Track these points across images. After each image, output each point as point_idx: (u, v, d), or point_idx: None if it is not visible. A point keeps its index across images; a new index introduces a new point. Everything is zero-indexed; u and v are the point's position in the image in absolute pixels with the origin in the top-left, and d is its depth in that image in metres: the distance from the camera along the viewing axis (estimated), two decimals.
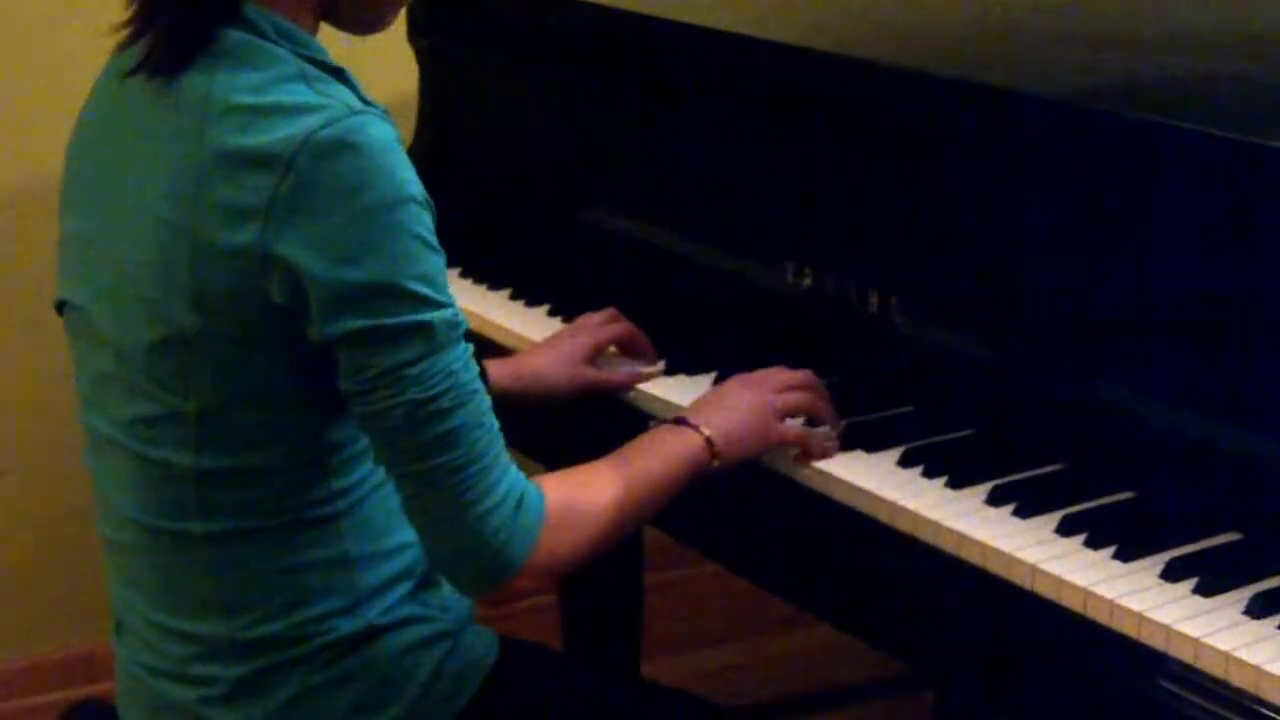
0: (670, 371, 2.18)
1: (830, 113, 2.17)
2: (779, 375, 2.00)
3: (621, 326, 2.22)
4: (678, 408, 2.07)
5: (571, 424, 2.30)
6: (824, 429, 1.97)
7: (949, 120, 2.02)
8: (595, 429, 2.24)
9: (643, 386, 2.16)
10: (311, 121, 1.60)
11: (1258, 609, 1.62)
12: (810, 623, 2.14)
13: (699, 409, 1.95)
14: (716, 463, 1.90)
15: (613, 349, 2.22)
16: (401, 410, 1.63)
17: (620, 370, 2.19)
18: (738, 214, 2.33)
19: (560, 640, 2.96)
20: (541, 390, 2.18)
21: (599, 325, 2.22)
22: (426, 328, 1.63)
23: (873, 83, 2.10)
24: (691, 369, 2.18)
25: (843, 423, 1.98)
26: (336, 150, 1.60)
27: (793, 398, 1.97)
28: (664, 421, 1.95)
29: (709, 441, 1.89)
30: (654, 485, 1.85)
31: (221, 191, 1.62)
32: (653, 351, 2.21)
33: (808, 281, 2.17)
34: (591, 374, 2.18)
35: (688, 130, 2.40)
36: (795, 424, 1.96)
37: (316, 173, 1.59)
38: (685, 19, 2.36)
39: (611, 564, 2.84)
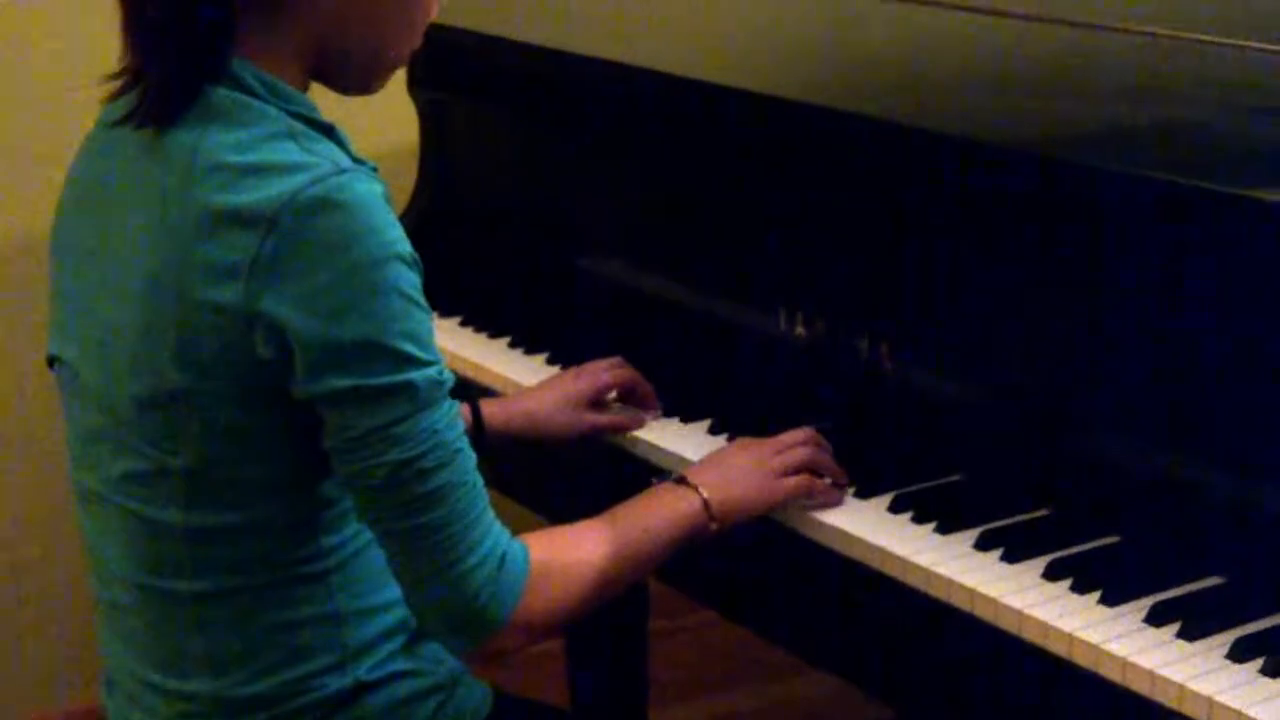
0: (668, 417, 2.19)
1: (821, 163, 2.18)
2: (779, 437, 1.99)
3: (624, 372, 2.22)
4: (674, 455, 2.08)
5: (569, 471, 2.32)
6: (826, 480, 1.96)
7: (937, 171, 2.03)
8: (592, 476, 2.26)
9: (640, 433, 2.17)
10: (297, 180, 1.61)
11: (1240, 653, 1.63)
12: (814, 668, 2.15)
13: (699, 470, 1.95)
14: (714, 525, 1.89)
15: (613, 395, 2.22)
16: (385, 470, 1.64)
17: (619, 416, 2.20)
18: (731, 262, 2.35)
19: (566, 688, 2.97)
20: (539, 432, 2.19)
21: (601, 370, 2.22)
22: (410, 387, 1.63)
23: (862, 135, 2.11)
24: (688, 416, 2.19)
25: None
26: (321, 208, 1.60)
27: (792, 456, 1.96)
28: (665, 479, 1.95)
29: (707, 504, 1.89)
30: (648, 543, 1.85)
31: (207, 250, 1.63)
32: (654, 399, 2.21)
33: (800, 328, 2.18)
34: (590, 418, 2.19)
35: (683, 180, 2.42)
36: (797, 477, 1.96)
37: (301, 231, 1.60)
38: (681, 72, 2.38)
39: (616, 612, 2.86)
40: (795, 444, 1.97)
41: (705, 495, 1.89)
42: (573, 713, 2.93)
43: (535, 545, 1.75)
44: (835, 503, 1.94)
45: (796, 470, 1.95)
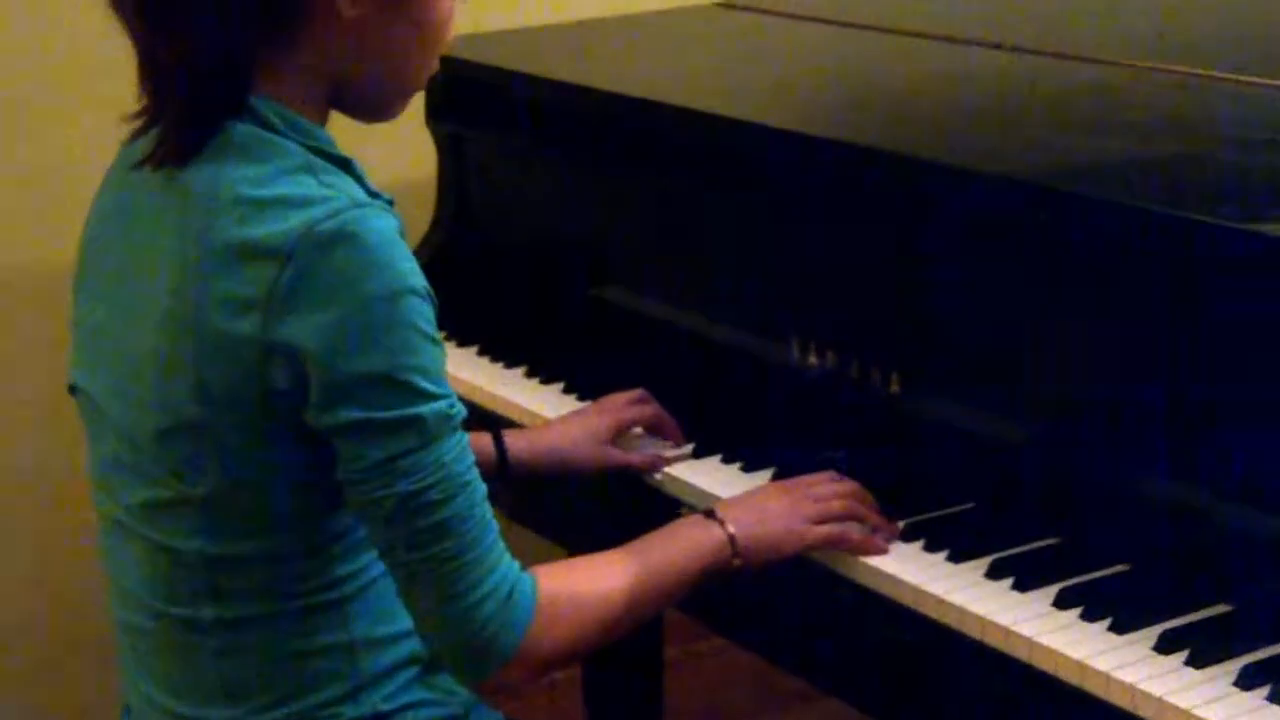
0: (697, 454, 2.20)
1: (835, 196, 2.20)
2: (821, 482, 1.99)
3: (649, 408, 2.23)
4: (700, 491, 2.09)
5: (591, 506, 2.33)
6: (863, 530, 1.95)
7: (948, 203, 2.05)
8: (616, 512, 2.27)
9: (669, 470, 2.17)
10: (313, 214, 1.63)
11: (1247, 680, 1.64)
12: (827, 695, 2.16)
13: (730, 505, 1.95)
14: (738, 561, 1.89)
15: (637, 430, 2.23)
16: (392, 501, 1.65)
17: (643, 451, 2.20)
18: (748, 293, 2.37)
19: (584, 714, 2.98)
20: (563, 466, 2.20)
21: (625, 405, 2.23)
22: (419, 421, 1.64)
23: (876, 168, 2.13)
24: (706, 449, 2.20)
25: (900, 523, 1.96)
26: (336, 242, 1.62)
27: (829, 507, 1.95)
28: (694, 511, 1.95)
29: (732, 539, 1.89)
30: (668, 576, 1.85)
31: (224, 283, 1.64)
32: (679, 434, 2.22)
33: (812, 358, 2.20)
34: (613, 454, 2.19)
35: (698, 212, 2.44)
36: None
37: (316, 264, 1.62)
38: (700, 106, 2.40)
39: (632, 640, 2.87)
40: (836, 495, 1.97)
41: (731, 531, 1.89)
42: None
43: (550, 577, 1.76)
44: (875, 550, 1.93)
45: (831, 516, 1.94)
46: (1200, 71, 2.41)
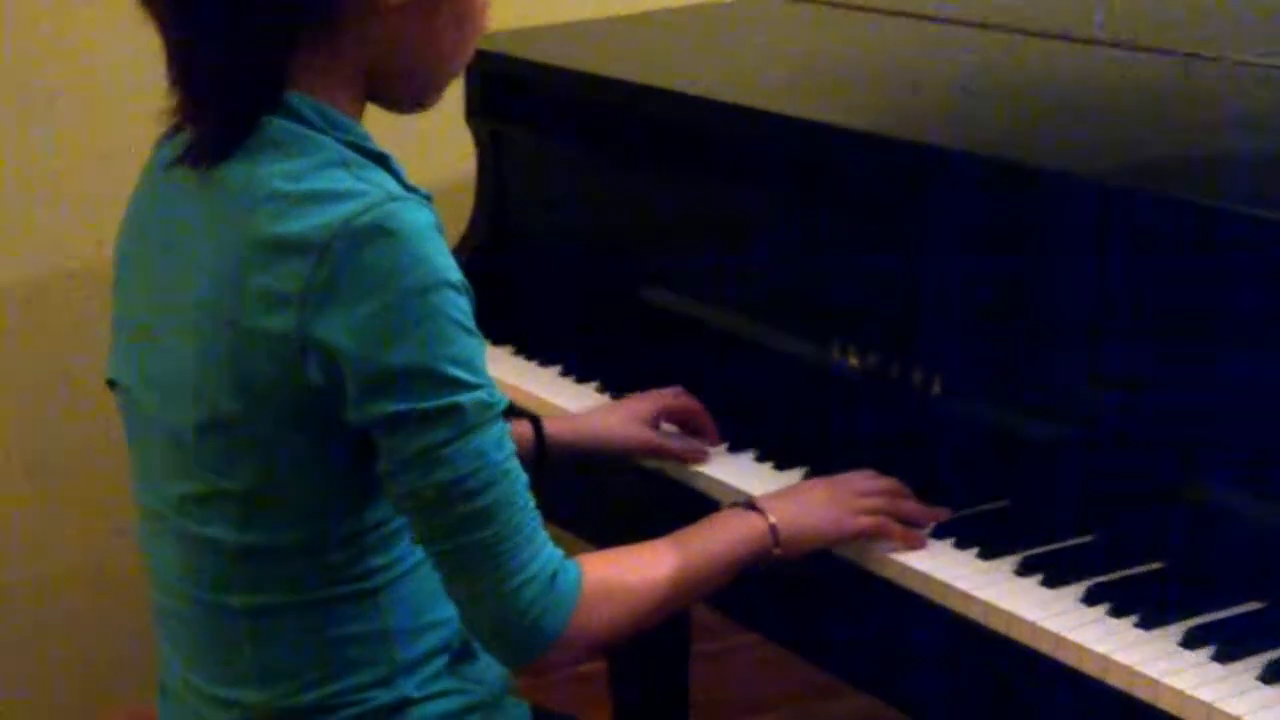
0: (730, 451, 2.21)
1: (878, 195, 2.20)
2: (862, 479, 2.01)
3: (685, 401, 2.25)
4: (733, 488, 2.11)
5: (625, 505, 2.35)
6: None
7: (995, 203, 2.06)
8: (649, 510, 2.28)
9: (699, 466, 2.19)
10: (348, 208, 1.64)
11: (1272, 675, 1.65)
12: (855, 690, 2.17)
13: (771, 496, 1.97)
14: (779, 550, 1.91)
15: (670, 426, 2.25)
16: (433, 491, 1.67)
17: (681, 443, 2.22)
18: (786, 292, 2.37)
19: (610, 708, 3.00)
20: (601, 447, 2.21)
21: (663, 396, 2.25)
22: (458, 410, 1.66)
23: (922, 166, 2.14)
24: (739, 446, 2.21)
25: (933, 520, 1.98)
26: (372, 236, 1.63)
27: (871, 502, 1.97)
28: (736, 504, 1.97)
29: (773, 529, 1.91)
30: (709, 565, 1.87)
31: (260, 278, 1.66)
32: (714, 432, 2.24)
33: (852, 359, 2.21)
34: (653, 436, 2.21)
35: (738, 210, 2.44)
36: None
37: (352, 259, 1.63)
38: (742, 102, 2.40)
39: (659, 633, 2.89)
40: (877, 490, 1.98)
41: (773, 520, 1.91)
42: None
43: (594, 563, 1.78)
44: (915, 544, 1.95)
45: (872, 509, 1.96)
46: (1235, 57, 2.41)
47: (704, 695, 3.13)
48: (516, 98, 2.80)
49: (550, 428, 2.19)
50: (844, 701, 3.26)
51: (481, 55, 2.51)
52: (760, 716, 3.44)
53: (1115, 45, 2.57)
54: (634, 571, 1.82)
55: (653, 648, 2.91)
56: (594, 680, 3.00)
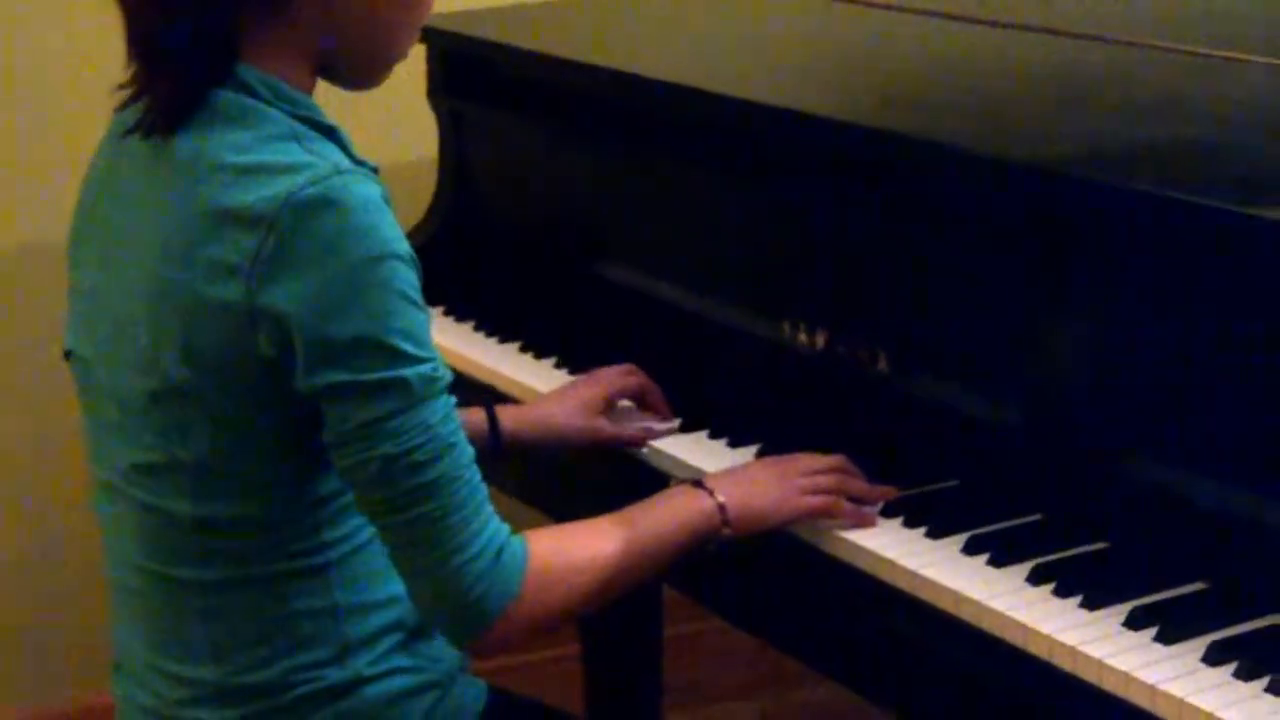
0: (684, 429, 2.21)
1: (831, 176, 2.21)
2: (809, 457, 2.01)
3: (637, 380, 2.25)
4: (687, 465, 2.11)
5: (581, 479, 2.35)
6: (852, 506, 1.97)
7: (940, 184, 2.07)
8: (604, 484, 2.28)
9: (654, 442, 2.19)
10: (295, 180, 1.65)
11: (1215, 657, 1.66)
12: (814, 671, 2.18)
13: (719, 476, 1.97)
14: (728, 530, 1.91)
15: (626, 402, 2.25)
16: (377, 463, 1.67)
17: (633, 425, 2.22)
18: (739, 271, 2.38)
19: (582, 692, 3.00)
20: (554, 439, 2.21)
21: (615, 377, 2.24)
22: (403, 383, 1.66)
23: (873, 148, 2.14)
24: (693, 424, 2.21)
25: (881, 499, 1.98)
26: (319, 208, 1.64)
27: (819, 480, 1.97)
28: (683, 481, 1.97)
29: (721, 507, 1.91)
30: (658, 543, 1.87)
31: (209, 249, 1.67)
32: (667, 408, 2.24)
33: (803, 337, 2.21)
34: (605, 426, 2.21)
35: (695, 191, 2.45)
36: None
37: (299, 230, 1.64)
38: (696, 84, 2.41)
39: (631, 617, 2.89)
40: (825, 468, 1.98)
41: (721, 500, 1.91)
42: (587, 716, 2.97)
43: (541, 540, 1.78)
44: (865, 523, 1.95)
45: (821, 488, 1.96)
46: (1206, 51, 2.42)
47: (678, 679, 3.13)
48: (477, 76, 2.81)
49: (502, 416, 2.19)
50: (818, 686, 3.27)
51: (441, 34, 2.52)
52: (734, 701, 3.45)
53: (1068, 35, 2.59)
54: (580, 549, 1.81)
55: (625, 632, 2.91)
56: (566, 665, 3.00)
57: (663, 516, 1.89)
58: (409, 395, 1.67)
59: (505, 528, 1.75)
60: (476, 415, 2.16)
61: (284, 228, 1.64)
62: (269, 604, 1.79)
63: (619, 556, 1.83)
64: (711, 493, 1.92)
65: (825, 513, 1.95)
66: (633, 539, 1.84)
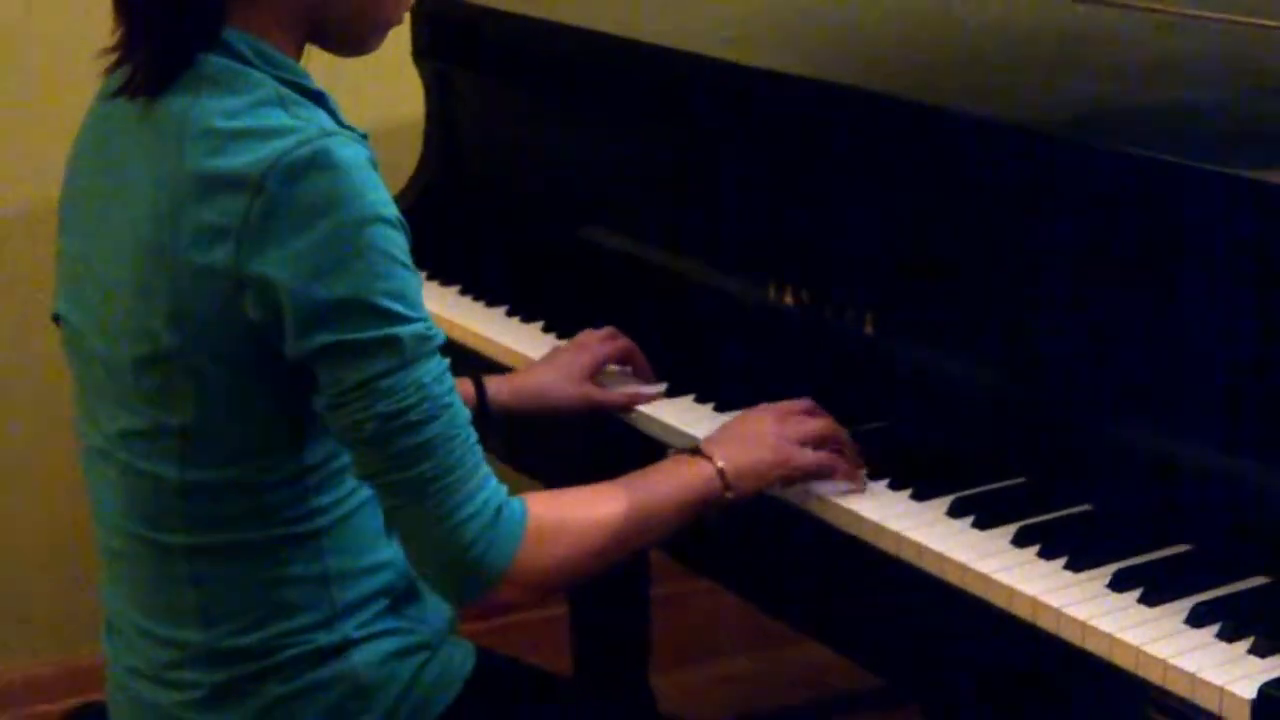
0: (671, 393, 2.21)
1: (816, 139, 2.21)
2: (800, 408, 2.01)
3: (621, 343, 2.25)
4: (675, 429, 2.11)
5: (570, 445, 2.36)
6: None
7: (929, 147, 2.07)
8: (594, 450, 2.30)
9: (642, 407, 2.19)
10: (282, 144, 1.65)
11: (1198, 618, 1.67)
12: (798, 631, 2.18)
13: (715, 440, 1.96)
14: (730, 494, 1.91)
15: (613, 367, 2.25)
16: (373, 424, 1.67)
17: (621, 389, 2.22)
18: (728, 233, 2.38)
19: (569, 652, 3.01)
20: (544, 407, 2.22)
21: (599, 342, 2.25)
22: (395, 342, 1.67)
23: (858, 111, 2.14)
24: (680, 388, 2.22)
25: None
26: (306, 171, 1.64)
27: (810, 426, 1.97)
28: (682, 450, 1.97)
29: (721, 473, 1.91)
30: (658, 510, 1.87)
31: (197, 213, 1.67)
32: (650, 371, 2.24)
33: (788, 298, 2.22)
34: (594, 392, 2.21)
35: (680, 153, 2.46)
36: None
37: (286, 194, 1.64)
38: (682, 46, 2.41)
39: (618, 578, 2.90)
40: (821, 424, 1.98)
41: (720, 465, 1.91)
42: (575, 676, 2.98)
43: (541, 502, 1.78)
44: (858, 484, 1.95)
45: (815, 442, 1.97)
46: (1193, 12, 2.42)
47: (665, 639, 3.13)
48: (463, 39, 2.80)
49: (490, 387, 2.20)
50: (804, 645, 3.24)
51: None
52: (721, 660, 3.46)
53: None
54: (580, 511, 1.82)
55: (612, 592, 2.92)
56: (554, 626, 3.01)
57: (662, 482, 1.89)
58: (401, 354, 1.67)
59: (503, 488, 1.75)
60: (464, 385, 2.15)
61: (273, 191, 1.64)
62: (258, 569, 1.79)
63: (618, 521, 1.83)
64: (710, 458, 1.92)
65: (822, 467, 1.95)
66: (632, 505, 1.84)
